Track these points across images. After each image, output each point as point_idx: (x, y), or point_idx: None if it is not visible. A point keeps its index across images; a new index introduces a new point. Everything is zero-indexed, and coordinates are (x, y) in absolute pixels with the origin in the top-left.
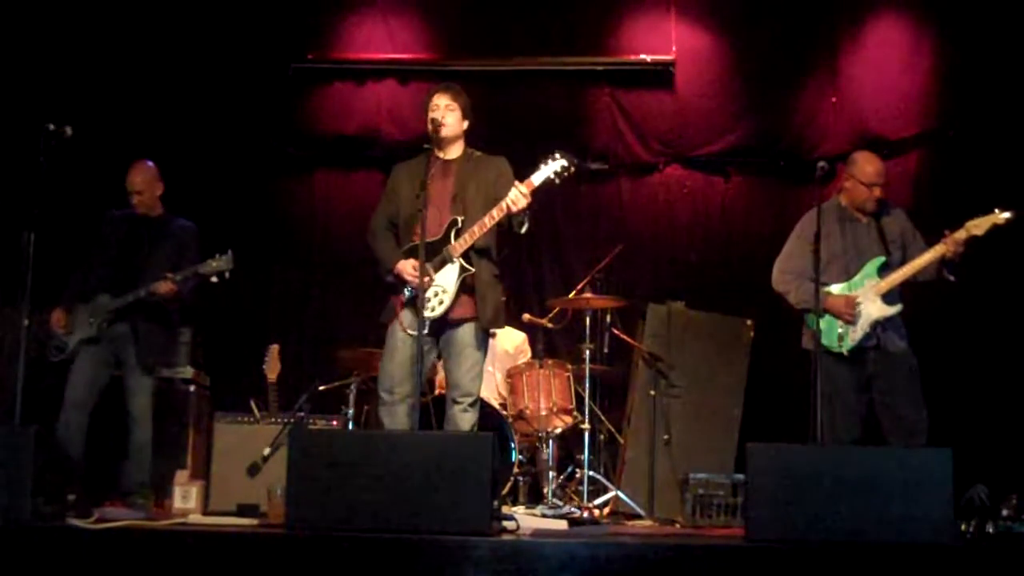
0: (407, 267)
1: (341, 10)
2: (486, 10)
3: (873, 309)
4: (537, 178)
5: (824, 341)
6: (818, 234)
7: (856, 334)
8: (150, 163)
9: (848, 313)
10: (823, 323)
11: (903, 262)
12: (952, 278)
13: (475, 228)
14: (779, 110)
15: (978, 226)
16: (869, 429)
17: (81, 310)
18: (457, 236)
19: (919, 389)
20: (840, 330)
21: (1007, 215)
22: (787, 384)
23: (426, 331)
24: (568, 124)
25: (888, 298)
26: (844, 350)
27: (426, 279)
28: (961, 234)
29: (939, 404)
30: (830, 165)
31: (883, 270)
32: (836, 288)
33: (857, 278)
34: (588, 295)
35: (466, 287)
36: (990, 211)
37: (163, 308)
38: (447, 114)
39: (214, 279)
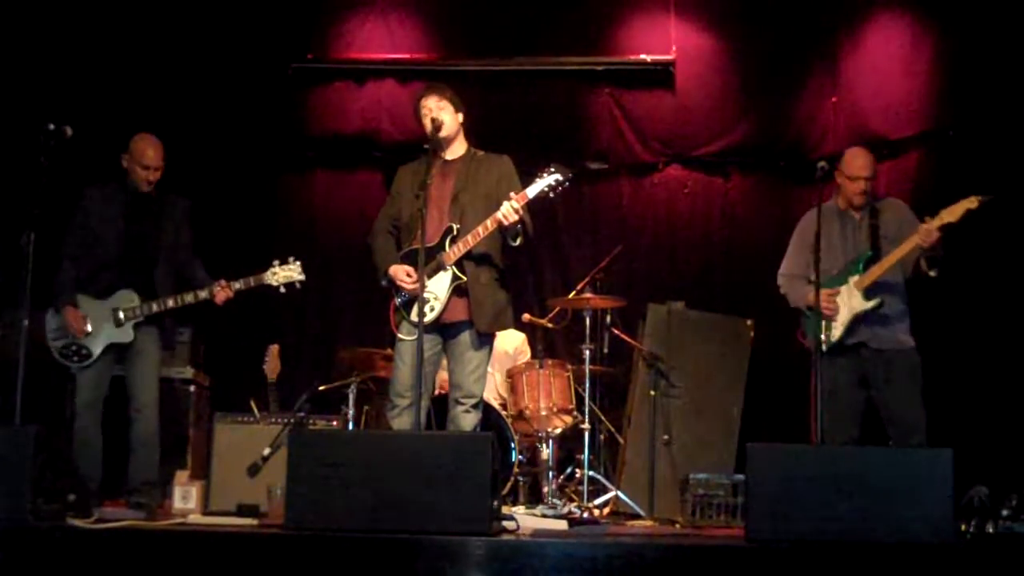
0: (400, 272)
1: (341, 10)
2: (486, 10)
3: (852, 304)
4: (531, 191)
5: (811, 337)
6: (818, 234)
7: (836, 330)
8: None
9: (827, 308)
10: (809, 320)
11: None
12: (932, 273)
13: (468, 237)
14: (779, 110)
15: (951, 212)
16: (869, 428)
17: (95, 308)
18: (452, 243)
19: (917, 388)
20: (823, 326)
21: (979, 199)
22: (787, 384)
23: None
24: (568, 124)
25: (870, 292)
26: (825, 346)
27: (418, 285)
28: (934, 222)
29: (939, 404)
30: (830, 165)
31: (869, 265)
32: (826, 285)
33: (844, 274)
34: (588, 295)
35: (459, 292)
36: (1004, 202)
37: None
38: (440, 113)
39: (282, 290)
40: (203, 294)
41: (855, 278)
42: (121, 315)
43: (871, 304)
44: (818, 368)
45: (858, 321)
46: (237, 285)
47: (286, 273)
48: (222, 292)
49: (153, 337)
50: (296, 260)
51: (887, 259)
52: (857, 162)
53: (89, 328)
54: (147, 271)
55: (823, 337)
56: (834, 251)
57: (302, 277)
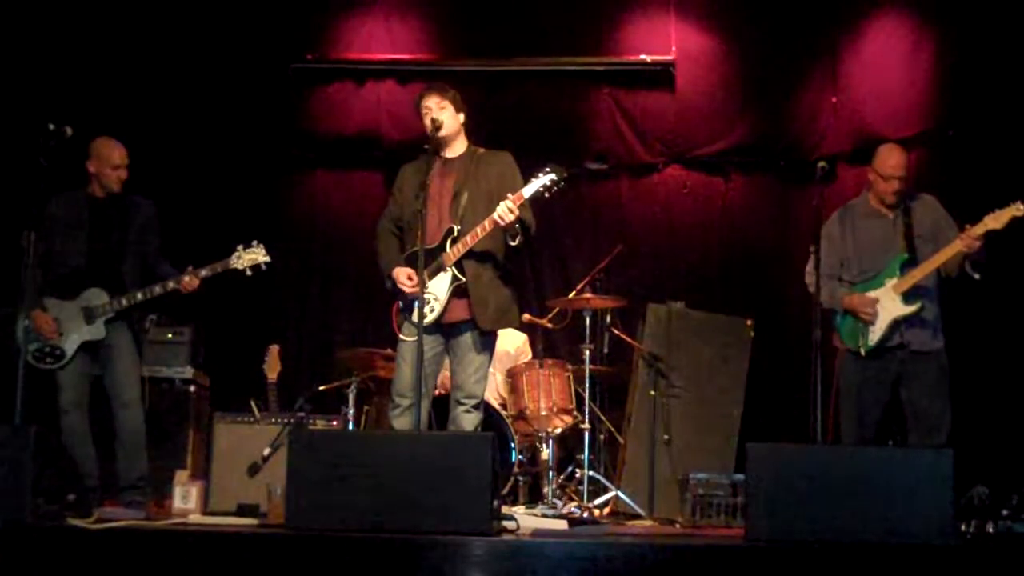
0: (402, 275)
1: (341, 10)
2: (486, 10)
3: (892, 308)
4: (527, 191)
5: (847, 341)
6: (818, 235)
7: (875, 334)
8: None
9: (865, 313)
10: (845, 323)
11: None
12: (976, 275)
13: (467, 238)
14: (779, 110)
15: (996, 219)
16: (885, 430)
17: (64, 309)
18: (452, 244)
19: (946, 389)
20: (860, 330)
21: None
22: (787, 384)
23: (425, 335)
24: (568, 124)
25: (909, 296)
26: (863, 350)
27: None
28: (978, 228)
29: None
30: (830, 165)
31: (906, 267)
32: (860, 287)
33: (880, 276)
34: (588, 295)
35: (459, 293)
36: (1007, 203)
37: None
38: (440, 113)
39: (248, 273)
40: (171, 284)
41: (892, 281)
42: (91, 312)
43: (912, 309)
44: (819, 367)
45: (897, 325)
46: (203, 272)
47: (250, 256)
48: (189, 280)
49: (125, 332)
50: (260, 243)
51: (927, 264)
52: (891, 160)
53: (60, 329)
54: (115, 270)
55: (860, 342)
56: (867, 251)
57: (267, 259)
